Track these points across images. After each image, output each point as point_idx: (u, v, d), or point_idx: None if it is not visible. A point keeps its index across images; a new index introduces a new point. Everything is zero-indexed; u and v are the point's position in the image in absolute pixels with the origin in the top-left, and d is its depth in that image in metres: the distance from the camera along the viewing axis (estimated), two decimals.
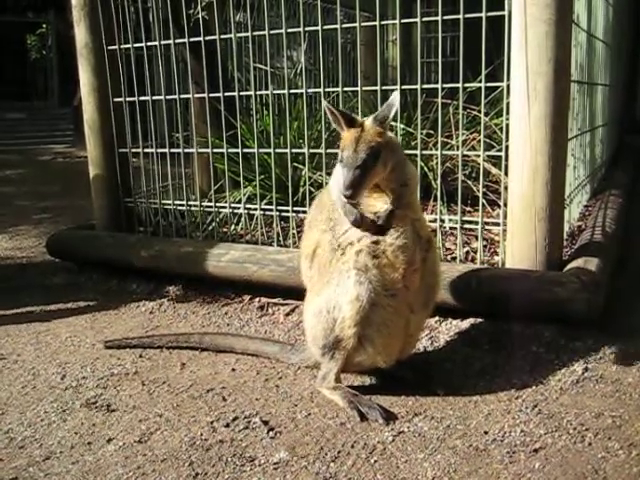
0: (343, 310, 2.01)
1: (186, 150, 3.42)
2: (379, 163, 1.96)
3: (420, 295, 2.10)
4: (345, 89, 2.95)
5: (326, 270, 2.07)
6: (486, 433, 1.85)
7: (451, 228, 2.94)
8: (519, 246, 2.53)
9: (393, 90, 2.82)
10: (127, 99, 3.46)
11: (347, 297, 1.99)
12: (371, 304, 1.99)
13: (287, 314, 2.85)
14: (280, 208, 3.16)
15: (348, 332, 2.01)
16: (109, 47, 3.40)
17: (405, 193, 2.05)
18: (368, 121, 2.00)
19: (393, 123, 3.58)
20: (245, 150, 3.27)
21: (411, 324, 2.11)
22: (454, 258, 2.87)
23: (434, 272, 2.17)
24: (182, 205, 3.48)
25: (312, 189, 3.13)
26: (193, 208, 3.48)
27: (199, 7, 3.39)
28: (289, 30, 3.00)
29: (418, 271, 2.06)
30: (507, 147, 2.56)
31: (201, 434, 1.90)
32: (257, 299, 3.00)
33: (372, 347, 2.05)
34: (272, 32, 3.05)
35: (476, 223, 2.78)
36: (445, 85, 2.76)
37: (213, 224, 3.40)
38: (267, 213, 3.25)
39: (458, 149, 2.86)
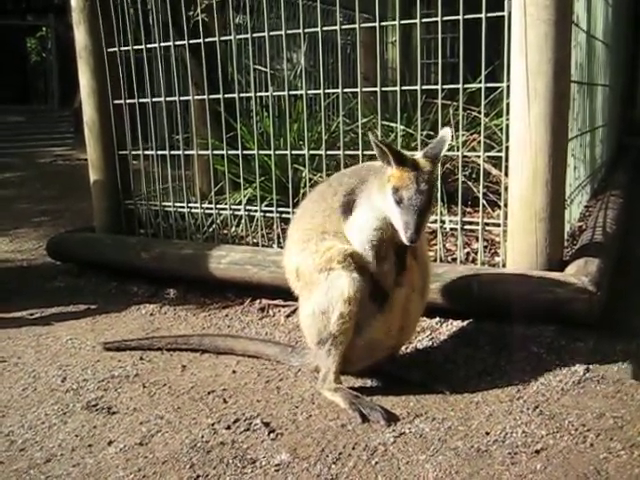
0: (338, 307, 2.02)
1: (186, 152, 3.42)
2: (433, 202, 1.97)
3: (416, 280, 2.14)
4: (345, 90, 2.95)
5: (314, 278, 2.08)
6: (487, 434, 1.84)
7: (451, 229, 2.94)
8: (520, 247, 2.53)
9: (393, 91, 2.85)
10: (127, 101, 3.45)
11: (338, 293, 2.01)
12: (363, 297, 2.02)
13: (288, 316, 2.85)
14: (280, 210, 3.16)
15: (345, 326, 2.03)
16: (109, 49, 3.40)
17: None
18: (421, 159, 1.95)
19: (393, 124, 3.59)
20: (245, 152, 3.27)
21: (411, 301, 2.14)
22: (455, 259, 2.87)
23: (426, 258, 2.25)
24: (182, 207, 3.48)
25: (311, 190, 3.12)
26: (193, 210, 3.48)
27: (199, 9, 3.39)
28: (289, 32, 3.00)
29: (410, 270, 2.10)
30: (507, 148, 2.56)
31: (202, 436, 1.89)
32: (258, 301, 3.00)
33: (372, 325, 2.08)
34: (272, 34, 3.05)
35: (476, 224, 2.77)
36: (445, 86, 2.76)
37: (213, 226, 3.40)
38: (267, 215, 3.25)
39: (458, 150, 2.86)
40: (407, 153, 1.98)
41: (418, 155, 1.99)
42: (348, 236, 2.07)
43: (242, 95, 3.24)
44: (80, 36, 3.46)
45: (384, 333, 2.12)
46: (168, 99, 3.38)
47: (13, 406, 2.16)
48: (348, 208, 2.07)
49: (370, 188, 2.03)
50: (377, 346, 2.14)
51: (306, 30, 2.96)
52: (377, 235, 2.02)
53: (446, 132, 1.99)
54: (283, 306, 2.91)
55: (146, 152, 3.50)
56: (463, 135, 3.10)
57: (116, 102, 3.46)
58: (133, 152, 3.53)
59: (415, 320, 2.29)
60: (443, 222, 2.88)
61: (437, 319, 2.60)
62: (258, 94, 3.30)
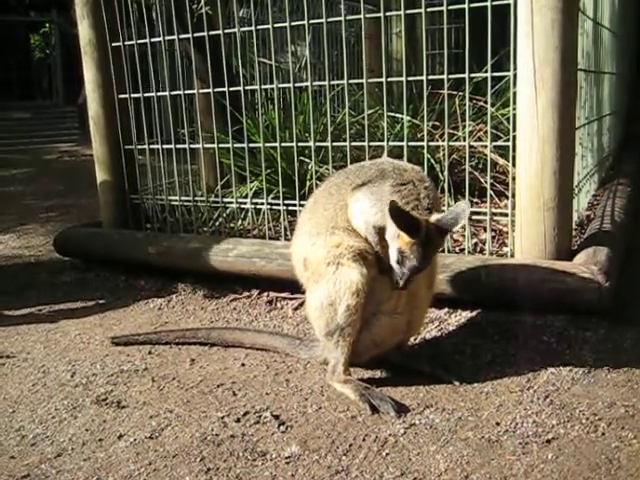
0: (345, 298, 2.02)
1: (192, 146, 3.41)
2: None
3: (423, 276, 2.12)
4: (350, 82, 2.94)
5: (322, 269, 2.08)
6: (498, 424, 1.84)
7: None
8: (528, 236, 2.52)
9: (398, 82, 2.84)
10: (132, 95, 3.45)
11: (346, 285, 2.01)
12: (370, 288, 2.03)
13: (296, 308, 2.85)
14: (287, 202, 3.15)
15: (352, 318, 2.03)
16: (113, 44, 3.39)
17: None
18: (433, 228, 1.92)
19: (399, 115, 3.57)
20: (251, 145, 3.26)
21: (417, 296, 2.14)
22: (462, 250, 2.86)
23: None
24: (189, 201, 3.48)
25: (319, 182, 3.12)
26: (200, 204, 3.47)
27: (202, 2, 3.38)
28: (293, 24, 2.99)
29: None
30: (514, 137, 2.54)
31: (212, 429, 1.90)
32: (265, 294, 2.99)
33: (379, 320, 2.08)
34: (276, 26, 3.03)
35: (484, 214, 2.76)
36: (451, 76, 2.74)
37: (220, 219, 3.40)
38: (274, 207, 3.24)
39: (465, 140, 2.84)
40: (421, 221, 1.92)
41: (433, 219, 1.93)
42: (351, 209, 2.07)
43: (247, 88, 3.23)
44: (84, 31, 3.45)
45: (391, 329, 2.13)
46: (173, 93, 3.37)
47: (23, 401, 2.16)
48: (361, 186, 2.07)
49: (385, 191, 2.02)
50: (385, 341, 2.15)
51: (310, 22, 2.94)
52: (378, 222, 2.02)
53: (463, 208, 1.94)
54: (291, 299, 2.91)
55: (152, 146, 3.49)
56: (470, 125, 3.09)
57: (121, 96, 3.45)
58: (139, 146, 3.52)
59: (423, 314, 2.29)
60: None
61: (446, 310, 2.59)
62: (263, 87, 3.29)
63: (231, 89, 3.17)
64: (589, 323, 2.37)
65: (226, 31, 3.16)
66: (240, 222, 3.36)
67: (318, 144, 3.14)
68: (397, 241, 1.93)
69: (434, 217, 1.94)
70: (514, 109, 2.55)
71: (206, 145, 3.37)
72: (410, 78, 2.83)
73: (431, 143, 2.99)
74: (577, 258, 2.47)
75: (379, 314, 2.09)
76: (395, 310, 2.10)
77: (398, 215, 1.87)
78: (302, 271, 2.22)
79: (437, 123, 3.64)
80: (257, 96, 3.22)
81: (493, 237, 2.95)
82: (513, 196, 2.61)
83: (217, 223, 3.43)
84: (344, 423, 1.90)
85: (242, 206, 3.35)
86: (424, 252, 1.91)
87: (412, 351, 2.34)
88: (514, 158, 2.57)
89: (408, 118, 3.30)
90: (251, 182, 3.41)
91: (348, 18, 2.96)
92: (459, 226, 1.97)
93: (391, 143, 2.99)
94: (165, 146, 3.46)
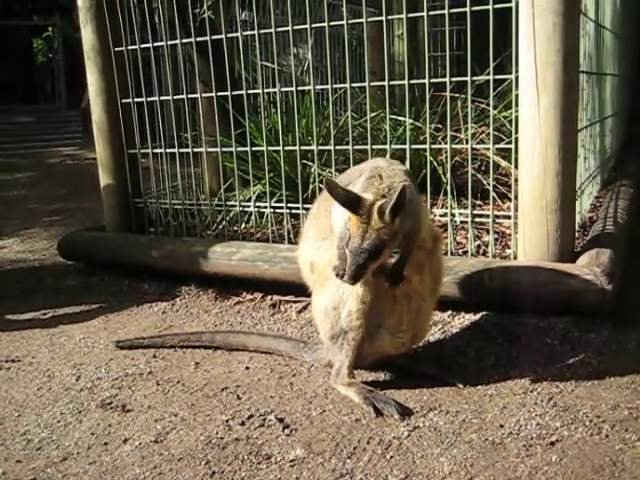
0: (349, 303, 2.03)
1: (195, 150, 3.42)
2: (385, 251, 1.90)
3: (429, 284, 2.15)
4: (353, 85, 2.95)
5: (327, 273, 2.08)
6: (502, 427, 1.84)
7: (462, 222, 2.94)
8: (531, 238, 2.52)
9: (401, 84, 2.84)
10: (135, 100, 3.46)
11: (350, 289, 2.01)
12: (376, 295, 2.02)
13: (299, 311, 2.85)
14: (290, 205, 3.15)
15: (356, 323, 2.03)
16: (116, 48, 3.40)
17: (412, 246, 2.03)
18: (376, 207, 1.84)
19: (401, 118, 3.58)
20: (254, 148, 3.27)
21: (421, 310, 2.15)
22: (465, 252, 2.86)
23: (440, 263, 2.24)
24: (192, 205, 3.49)
25: (321, 186, 3.13)
26: (203, 207, 3.48)
27: (205, 6, 3.39)
28: (295, 27, 2.99)
29: (424, 270, 2.10)
30: (517, 139, 2.55)
31: (217, 433, 1.90)
32: (269, 297, 3.00)
33: (383, 335, 2.09)
34: (278, 30, 3.04)
35: (487, 216, 2.77)
36: (453, 79, 2.75)
37: (223, 223, 3.41)
38: (277, 211, 3.25)
39: (467, 142, 2.85)
40: (369, 198, 1.87)
41: (378, 202, 1.86)
42: (332, 213, 2.06)
43: (250, 92, 3.24)
44: (87, 36, 3.47)
45: (394, 346, 2.14)
46: (176, 97, 3.38)
47: (29, 405, 2.17)
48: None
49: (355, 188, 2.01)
50: (388, 354, 2.17)
51: (313, 25, 2.95)
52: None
53: (396, 189, 1.84)
54: (295, 302, 2.91)
55: (155, 150, 3.51)
56: (472, 127, 3.09)
57: (124, 101, 3.46)
58: (142, 150, 3.53)
59: (426, 325, 2.30)
60: (453, 215, 2.88)
61: (449, 312, 2.60)
62: (266, 90, 3.30)
63: (234, 93, 3.18)
64: (592, 325, 2.37)
65: (229, 35, 3.17)
66: (243, 225, 3.37)
67: (321, 147, 3.15)
68: (348, 224, 1.88)
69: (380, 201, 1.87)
70: (516, 111, 2.56)
71: (209, 149, 3.38)
72: (412, 81, 2.84)
73: (434, 146, 3.00)
74: (580, 260, 2.48)
75: (382, 329, 2.09)
76: (399, 328, 2.10)
77: (331, 188, 1.84)
78: (309, 274, 2.23)
79: (439, 126, 3.65)
80: (260, 100, 3.24)
81: (496, 239, 2.96)
82: (516, 198, 2.61)
83: (220, 227, 3.44)
84: (348, 426, 1.90)
85: (245, 209, 3.35)
86: (363, 238, 1.84)
87: (416, 353, 2.34)
88: (516, 160, 2.58)
89: (410, 121, 3.31)
90: (254, 185, 3.42)
91: (350, 22, 2.96)
92: (391, 204, 1.81)
93: (394, 146, 3.00)
94: (168, 150, 3.47)
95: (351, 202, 1.85)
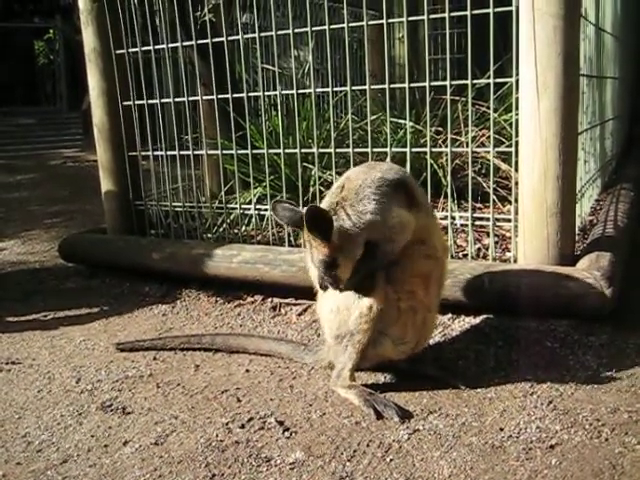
0: (359, 306, 2.03)
1: (195, 152, 3.43)
2: (340, 259, 1.93)
3: (435, 295, 2.17)
4: (353, 88, 2.95)
5: None
6: (502, 430, 1.84)
7: (462, 225, 2.94)
8: (531, 242, 2.52)
9: (401, 87, 2.85)
10: (136, 102, 3.47)
11: (368, 294, 2.02)
12: (385, 302, 2.02)
13: (300, 314, 2.85)
14: None
15: (364, 327, 2.03)
16: (117, 51, 3.41)
17: (391, 249, 2.02)
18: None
19: (401, 121, 3.58)
20: (254, 151, 3.27)
21: (426, 321, 2.16)
22: (465, 255, 2.86)
23: (445, 273, 2.26)
24: (193, 207, 3.49)
25: (322, 188, 3.13)
26: (204, 210, 3.49)
27: (206, 9, 3.40)
28: (296, 30, 3.00)
29: (430, 281, 2.13)
30: (517, 142, 2.55)
31: (217, 435, 1.90)
32: (269, 299, 3.00)
33: (386, 342, 2.10)
34: (279, 32, 3.05)
35: (487, 219, 2.77)
36: (454, 82, 2.75)
37: (224, 225, 3.41)
38: None
39: (467, 145, 2.85)
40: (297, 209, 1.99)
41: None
42: None
43: (250, 94, 3.24)
44: (88, 38, 3.48)
45: (396, 354, 2.15)
46: (177, 99, 3.39)
47: (29, 407, 2.17)
48: None
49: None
50: (390, 360, 2.18)
51: (313, 28, 2.95)
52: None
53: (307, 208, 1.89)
54: (295, 304, 2.91)
55: (155, 153, 3.51)
56: (472, 131, 3.09)
57: (125, 103, 3.47)
58: (143, 153, 3.54)
59: (430, 334, 2.31)
60: (453, 218, 2.88)
61: (449, 315, 2.60)
62: (266, 93, 3.30)
63: (234, 95, 3.18)
64: (592, 328, 2.37)
65: (229, 38, 3.17)
66: (244, 228, 3.38)
67: (321, 150, 3.15)
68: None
69: None
70: (517, 114, 2.56)
71: (210, 151, 3.39)
72: (413, 84, 2.84)
73: (434, 149, 3.00)
74: (580, 263, 2.48)
75: (386, 337, 2.09)
76: (402, 340, 2.11)
77: (275, 210, 2.01)
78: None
79: (440, 129, 3.65)
80: (260, 102, 3.24)
81: (496, 242, 2.96)
82: (516, 201, 2.62)
83: (221, 229, 3.45)
84: (348, 429, 1.90)
85: (246, 212, 3.36)
86: (311, 247, 1.94)
87: (417, 356, 2.34)
88: (517, 163, 2.58)
89: (411, 124, 3.32)
90: (255, 188, 3.42)
91: (351, 25, 2.96)
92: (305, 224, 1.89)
93: (394, 149, 3.00)
94: (169, 152, 3.48)
95: (295, 222, 1.98)
